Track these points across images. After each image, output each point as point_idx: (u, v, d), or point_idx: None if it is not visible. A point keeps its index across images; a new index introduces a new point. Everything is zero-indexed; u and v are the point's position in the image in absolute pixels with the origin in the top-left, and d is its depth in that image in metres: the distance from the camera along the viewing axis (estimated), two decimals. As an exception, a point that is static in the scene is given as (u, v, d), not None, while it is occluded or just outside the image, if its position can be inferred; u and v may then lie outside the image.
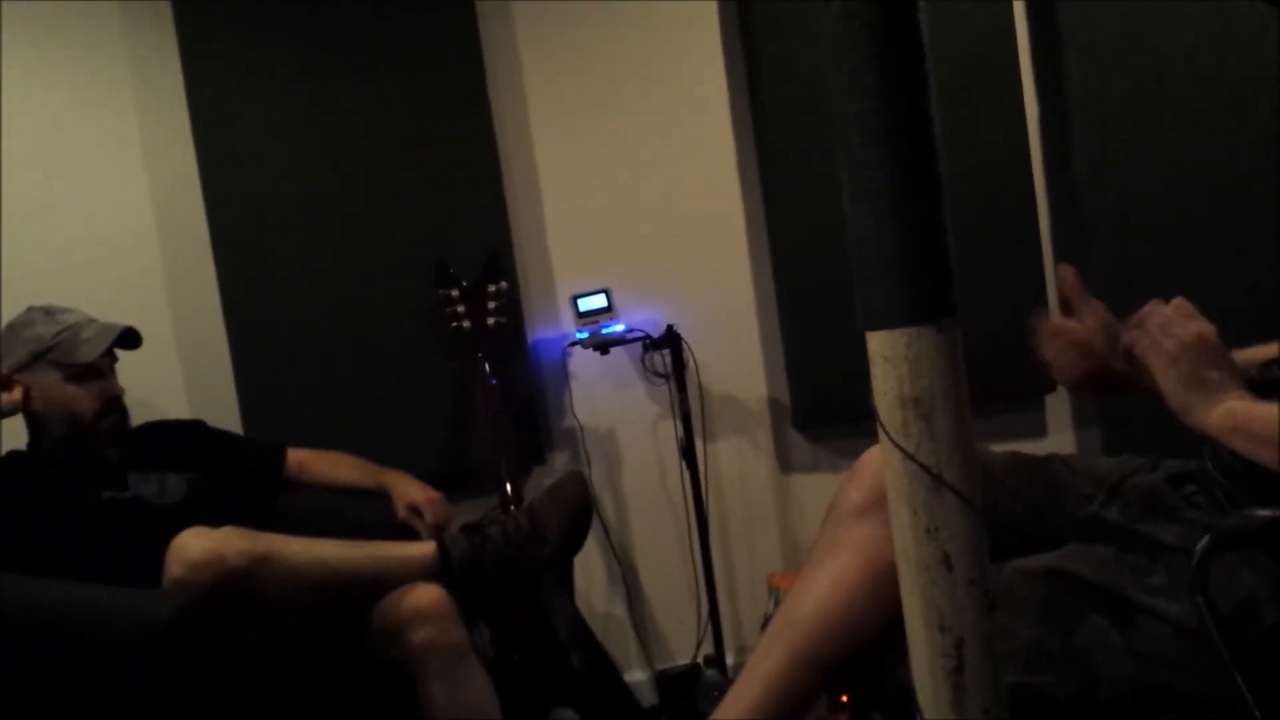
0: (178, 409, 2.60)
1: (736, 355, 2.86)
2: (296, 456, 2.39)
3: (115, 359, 2.20)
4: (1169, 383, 1.18)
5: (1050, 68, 2.81)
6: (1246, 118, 2.64)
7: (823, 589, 1.44)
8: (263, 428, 2.52)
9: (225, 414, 2.54)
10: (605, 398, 2.82)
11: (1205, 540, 1.14)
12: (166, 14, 2.53)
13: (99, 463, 2.11)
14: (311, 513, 2.25)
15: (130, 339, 2.18)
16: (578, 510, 2.07)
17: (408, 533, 2.22)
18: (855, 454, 1.57)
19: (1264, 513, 1.14)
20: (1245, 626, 1.19)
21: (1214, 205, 2.67)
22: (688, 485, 2.69)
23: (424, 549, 2.00)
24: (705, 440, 2.82)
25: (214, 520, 1.85)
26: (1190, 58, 2.67)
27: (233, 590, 1.77)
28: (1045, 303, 2.80)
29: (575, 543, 2.08)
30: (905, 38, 0.78)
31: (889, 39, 0.78)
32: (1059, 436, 2.97)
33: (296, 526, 1.96)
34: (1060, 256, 2.87)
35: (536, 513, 2.04)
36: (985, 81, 2.74)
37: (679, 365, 2.67)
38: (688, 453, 2.67)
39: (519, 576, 2.02)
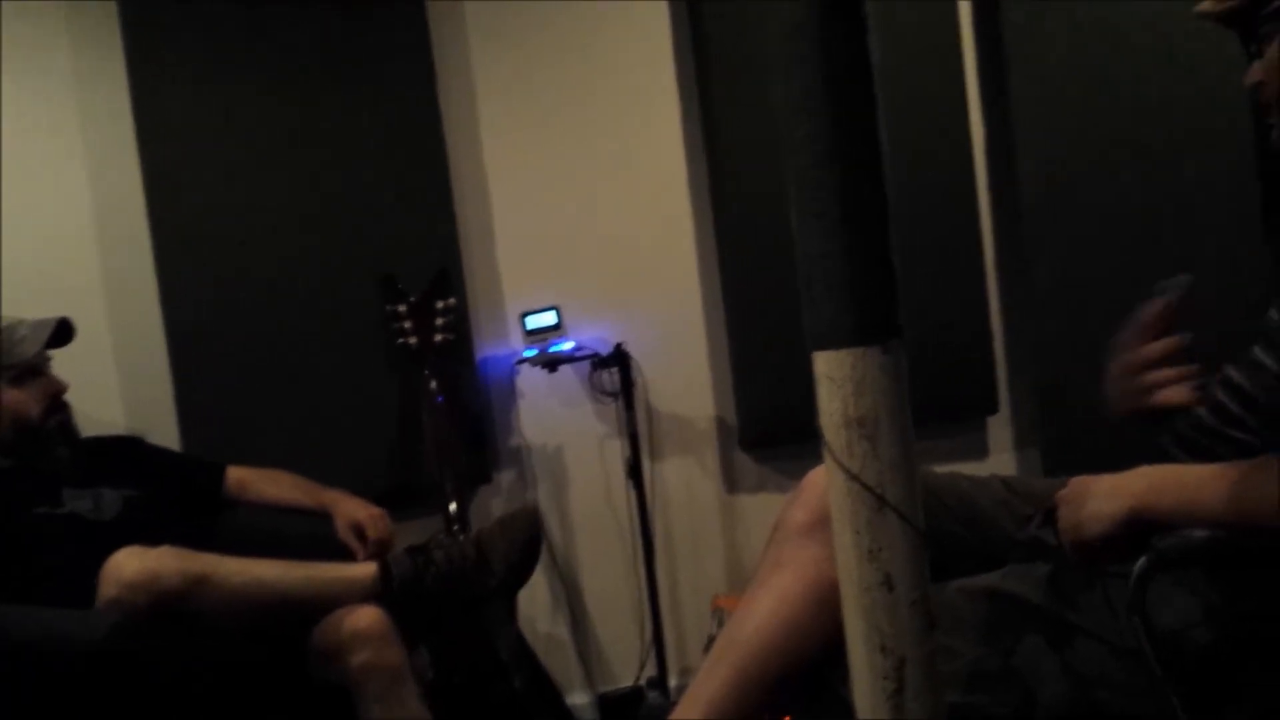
0: (115, 424, 2.54)
1: (684, 374, 2.87)
2: (236, 474, 2.34)
3: (50, 356, 2.15)
4: (1094, 523, 1.22)
5: (996, 88, 2.86)
6: (1190, 138, 2.69)
7: (766, 608, 1.44)
8: (203, 444, 2.47)
9: (164, 430, 2.49)
10: (553, 416, 2.81)
11: (1142, 561, 1.16)
12: (112, 14, 2.49)
13: (38, 475, 2.06)
14: (251, 532, 2.21)
15: (64, 332, 2.14)
16: (527, 545, 2.05)
17: (349, 553, 2.19)
18: (801, 474, 1.56)
19: (1200, 534, 1.16)
20: (1181, 646, 1.21)
21: (1159, 225, 2.72)
22: (634, 505, 2.68)
23: (364, 570, 1.97)
24: (652, 459, 2.82)
25: (151, 538, 1.81)
26: (1135, 78, 2.73)
27: (169, 611, 1.74)
28: (988, 324, 2.84)
29: (521, 577, 2.06)
30: (853, 59, 0.79)
31: (837, 61, 0.79)
32: (1000, 458, 3.01)
33: (236, 546, 1.94)
34: (1004, 276, 2.91)
35: (484, 543, 2.02)
36: (931, 102, 2.78)
37: (627, 384, 2.67)
38: (634, 472, 2.66)
39: (461, 601, 2.00)
